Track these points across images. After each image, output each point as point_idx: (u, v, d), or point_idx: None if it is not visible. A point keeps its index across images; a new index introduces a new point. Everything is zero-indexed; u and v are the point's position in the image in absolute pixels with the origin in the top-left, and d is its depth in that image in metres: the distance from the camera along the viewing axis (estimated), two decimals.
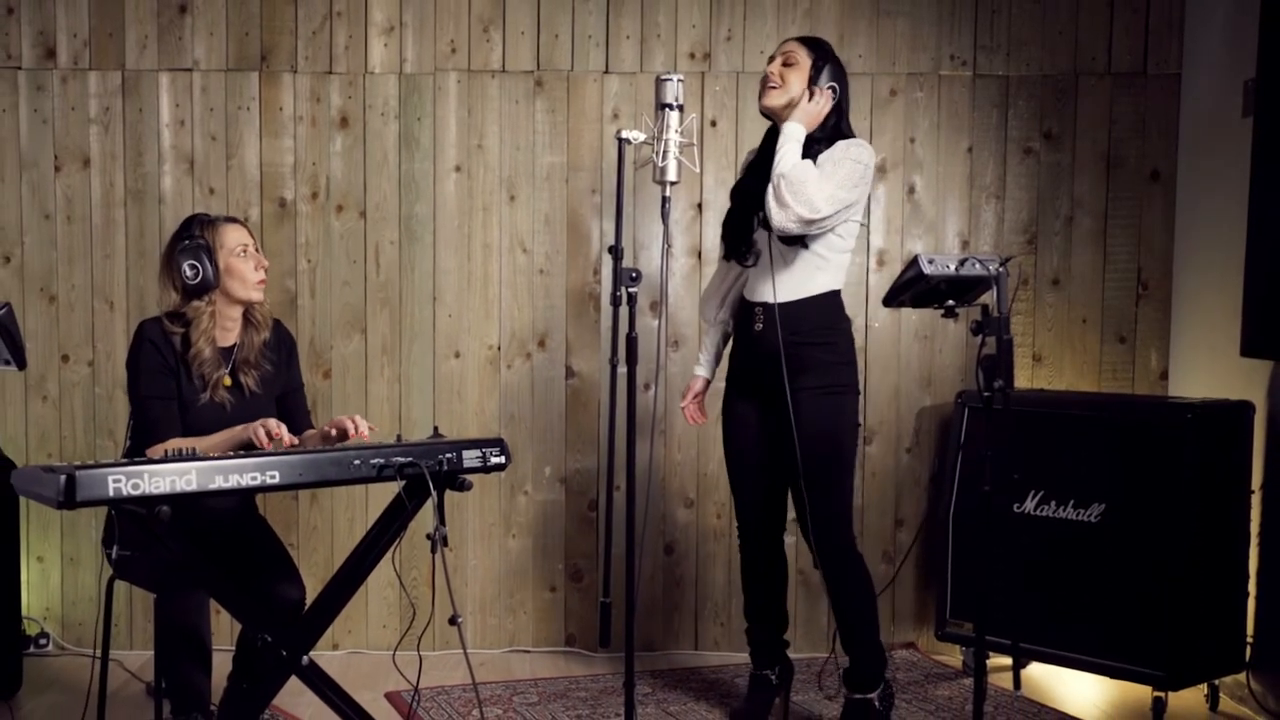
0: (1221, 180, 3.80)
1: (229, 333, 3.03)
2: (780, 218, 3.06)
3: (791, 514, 3.36)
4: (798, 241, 3.14)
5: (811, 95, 3.15)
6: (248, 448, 2.71)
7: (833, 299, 3.22)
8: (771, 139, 3.21)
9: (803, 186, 3.02)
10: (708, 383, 3.53)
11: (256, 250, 3.03)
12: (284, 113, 4.07)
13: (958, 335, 4.13)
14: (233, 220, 3.04)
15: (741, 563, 3.46)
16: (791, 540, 3.58)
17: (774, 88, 3.19)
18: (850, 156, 3.10)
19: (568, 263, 4.12)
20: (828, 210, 3.04)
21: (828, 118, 3.18)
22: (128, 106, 4.06)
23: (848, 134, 3.22)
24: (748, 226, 3.28)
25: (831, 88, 3.16)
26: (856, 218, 3.19)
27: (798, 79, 3.16)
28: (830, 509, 3.17)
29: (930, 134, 4.11)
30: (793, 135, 3.11)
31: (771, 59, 3.24)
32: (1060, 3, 4.10)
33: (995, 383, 2.83)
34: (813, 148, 3.14)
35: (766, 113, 3.24)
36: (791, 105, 3.15)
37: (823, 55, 3.18)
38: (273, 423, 2.73)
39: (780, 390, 3.12)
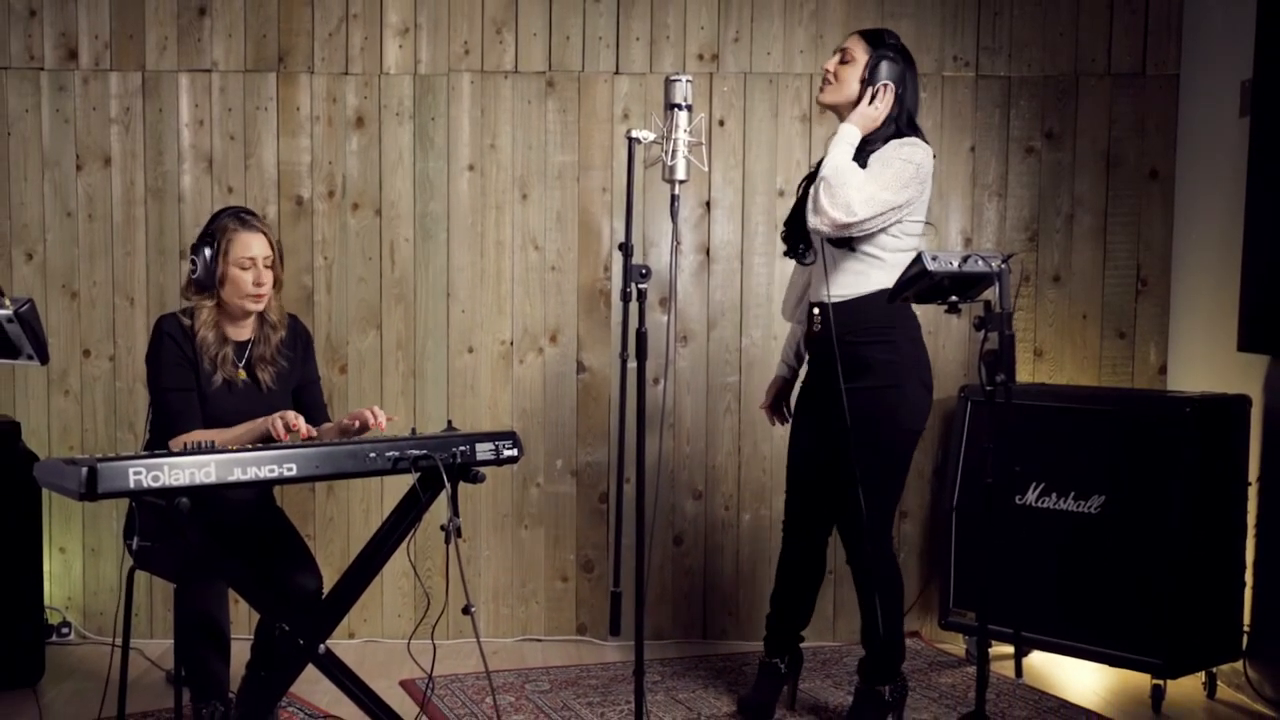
0: (1219, 179, 3.84)
1: (243, 328, 3.06)
2: (814, 221, 3.01)
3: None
4: (845, 245, 3.07)
5: (873, 97, 3.06)
6: (266, 440, 2.74)
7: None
8: None
9: (842, 189, 2.95)
10: (784, 381, 3.48)
11: (269, 264, 3.00)
12: (301, 113, 4.14)
13: (960, 331, 4.18)
14: (255, 229, 3.00)
15: (780, 554, 3.44)
16: None
17: (828, 84, 3.14)
18: (901, 156, 3.01)
19: (579, 260, 4.18)
20: (865, 214, 2.96)
21: (889, 117, 3.09)
22: (148, 107, 4.13)
23: (906, 133, 3.10)
24: (804, 224, 3.17)
25: (887, 85, 3.06)
26: (914, 218, 3.09)
27: (853, 75, 3.09)
28: (871, 509, 3.11)
29: (934, 133, 4.13)
30: (845, 137, 3.03)
31: (834, 53, 3.17)
32: (1060, 4, 4.14)
33: (997, 377, 2.82)
34: (867, 148, 3.06)
35: (826, 109, 3.19)
36: (848, 102, 3.10)
37: (880, 51, 3.08)
38: (291, 415, 2.76)
39: (835, 391, 3.08)
